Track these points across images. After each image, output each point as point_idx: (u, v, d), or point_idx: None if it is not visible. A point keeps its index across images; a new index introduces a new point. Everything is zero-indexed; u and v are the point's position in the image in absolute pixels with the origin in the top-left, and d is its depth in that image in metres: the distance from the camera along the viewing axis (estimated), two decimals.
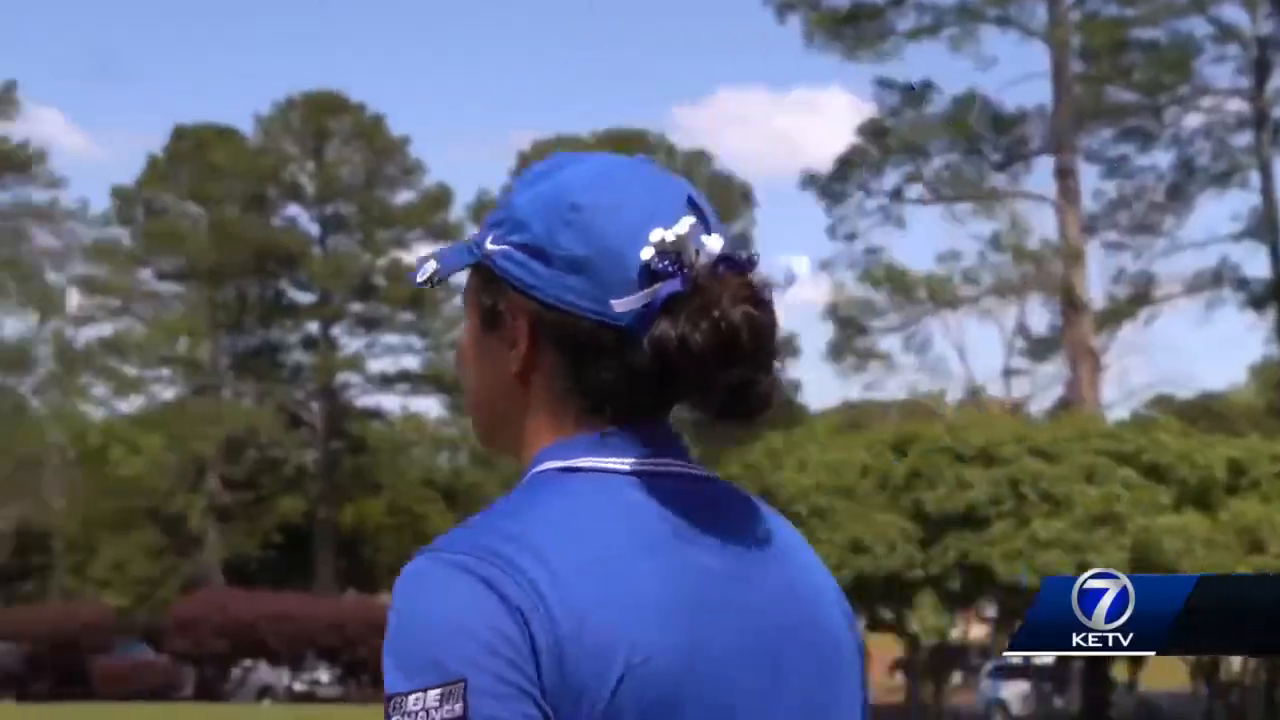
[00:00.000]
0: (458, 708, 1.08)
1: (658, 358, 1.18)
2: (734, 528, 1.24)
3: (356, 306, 51.84)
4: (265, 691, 37.53)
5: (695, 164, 50.11)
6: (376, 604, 39.92)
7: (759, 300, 1.19)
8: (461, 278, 1.32)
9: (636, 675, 1.11)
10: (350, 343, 52.69)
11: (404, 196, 51.53)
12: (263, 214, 50.72)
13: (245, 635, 36.37)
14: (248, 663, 37.92)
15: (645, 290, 1.19)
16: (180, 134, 50.17)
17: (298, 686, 38.10)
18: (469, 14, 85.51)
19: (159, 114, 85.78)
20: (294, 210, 52.03)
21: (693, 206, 1.24)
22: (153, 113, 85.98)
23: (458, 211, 52.07)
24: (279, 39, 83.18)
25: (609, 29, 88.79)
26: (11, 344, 47.50)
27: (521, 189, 1.27)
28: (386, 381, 52.83)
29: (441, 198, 51.41)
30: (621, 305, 1.20)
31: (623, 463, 1.22)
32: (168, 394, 51.08)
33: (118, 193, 50.46)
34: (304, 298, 52.37)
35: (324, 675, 38.27)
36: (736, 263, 1.21)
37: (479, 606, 1.11)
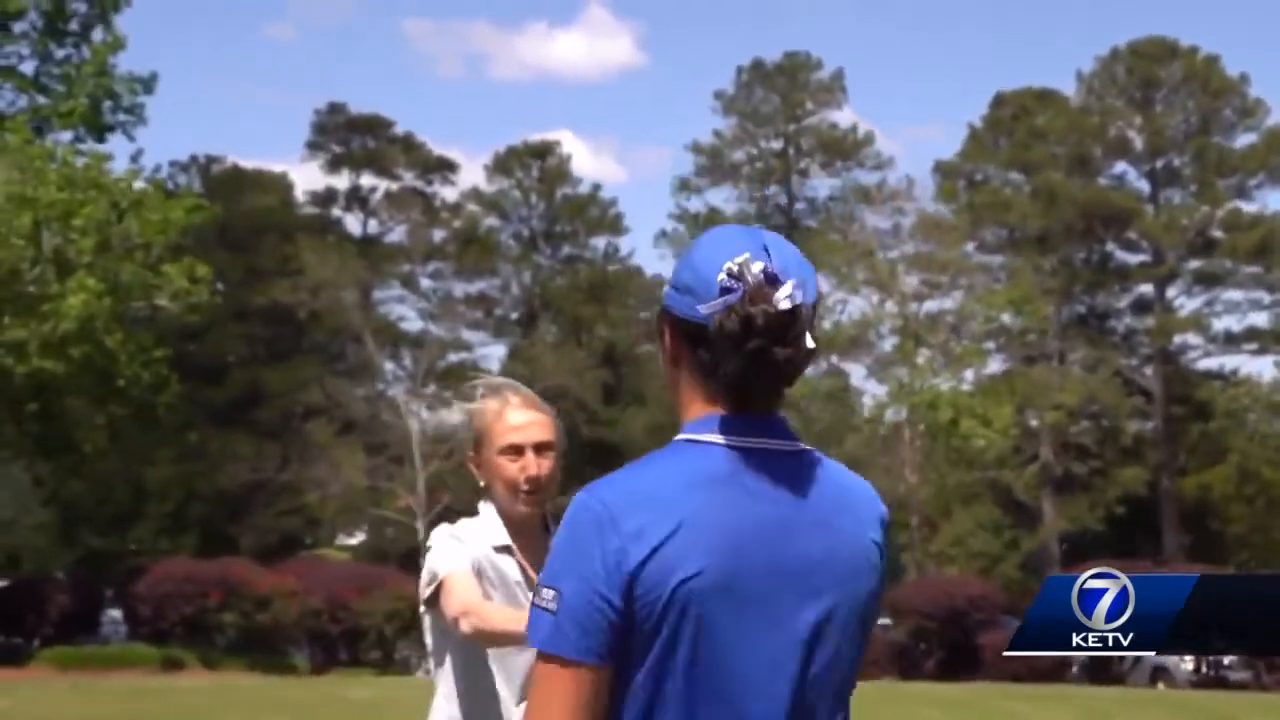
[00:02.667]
0: (555, 605, 1.84)
1: (715, 337, 1.85)
2: (793, 486, 1.91)
3: (1193, 264, 48.70)
4: (1159, 674, 35.54)
5: None
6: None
7: (775, 300, 1.83)
8: None
9: (693, 582, 1.82)
10: (1187, 303, 49.61)
11: (1244, 140, 47.78)
12: (1087, 175, 48.81)
13: None
14: None
15: (720, 299, 1.86)
16: (1000, 101, 49.40)
17: (1203, 670, 35.66)
18: None
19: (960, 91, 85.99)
20: (1121, 167, 49.84)
21: (764, 249, 1.90)
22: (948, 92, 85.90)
23: None
24: None
25: None
26: (849, 325, 48.69)
27: (684, 251, 2.01)
28: (1230, 341, 49.23)
29: None
30: (705, 308, 1.88)
31: (720, 438, 1.91)
32: (996, 366, 50.48)
33: (940, 167, 50.50)
34: (1134, 258, 49.95)
35: (1225, 659, 35.55)
36: (771, 279, 1.86)
37: (587, 541, 1.84)
